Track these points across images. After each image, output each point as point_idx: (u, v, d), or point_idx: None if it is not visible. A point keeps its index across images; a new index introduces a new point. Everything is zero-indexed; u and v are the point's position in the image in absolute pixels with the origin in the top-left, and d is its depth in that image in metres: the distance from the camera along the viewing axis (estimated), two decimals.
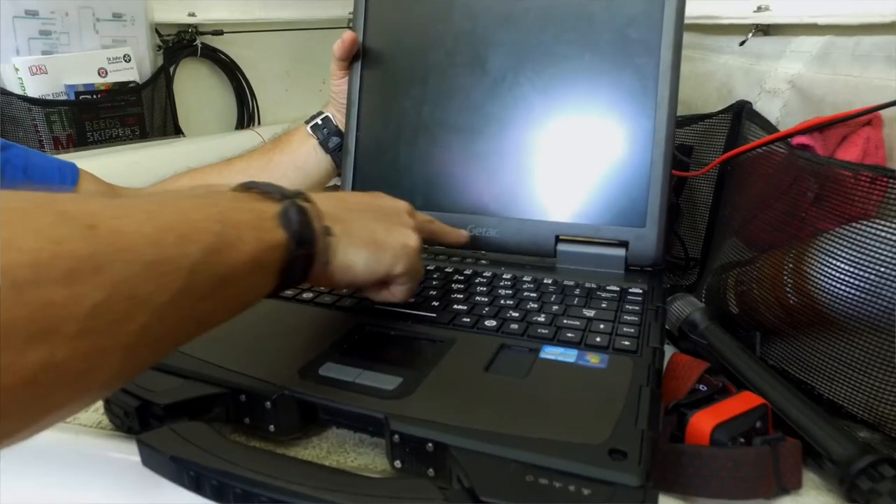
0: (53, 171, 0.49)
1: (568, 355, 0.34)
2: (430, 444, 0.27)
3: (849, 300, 0.34)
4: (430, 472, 0.27)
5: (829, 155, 0.39)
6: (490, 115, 0.52)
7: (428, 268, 0.49)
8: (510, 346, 0.36)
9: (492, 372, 0.33)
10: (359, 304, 0.42)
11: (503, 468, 0.25)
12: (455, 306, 0.41)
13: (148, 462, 0.28)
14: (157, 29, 0.90)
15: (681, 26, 0.47)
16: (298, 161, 0.60)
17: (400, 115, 0.55)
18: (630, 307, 0.41)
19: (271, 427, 0.31)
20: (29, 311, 0.18)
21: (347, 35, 0.54)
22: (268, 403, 0.31)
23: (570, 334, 0.37)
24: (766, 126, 0.46)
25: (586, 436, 0.27)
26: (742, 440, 0.31)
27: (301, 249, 0.29)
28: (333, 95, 0.59)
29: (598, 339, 0.36)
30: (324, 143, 0.59)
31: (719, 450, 0.29)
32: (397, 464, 0.28)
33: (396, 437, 0.28)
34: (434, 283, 0.46)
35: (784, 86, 0.49)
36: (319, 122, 0.60)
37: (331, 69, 0.58)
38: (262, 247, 0.27)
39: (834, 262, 0.35)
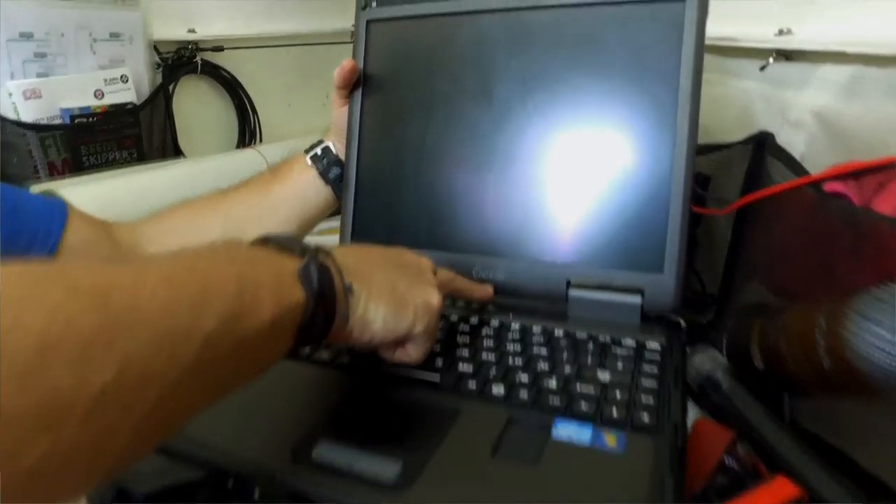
0: (39, 210, 0.46)
1: (582, 434, 0.31)
2: None
3: (893, 371, 0.31)
4: None
5: (865, 204, 0.36)
6: (497, 148, 0.49)
7: None
8: (519, 420, 0.33)
9: (500, 457, 0.30)
10: (357, 363, 0.39)
11: None
12: (461, 366, 0.38)
13: None
14: (156, 46, 0.88)
15: (701, 53, 0.43)
16: (297, 192, 0.57)
17: (402, 147, 0.52)
18: (648, 368, 0.38)
19: None
20: (34, 399, 0.16)
21: (347, 63, 0.52)
22: (257, 492, 0.28)
23: (583, 405, 0.34)
24: (792, 164, 0.43)
25: None
26: None
27: (321, 308, 0.28)
28: (334, 124, 0.57)
29: (614, 413, 0.33)
30: (324, 174, 0.57)
31: None
32: None
33: None
34: (438, 333, 0.43)
35: (808, 118, 0.45)
36: (319, 153, 0.57)
37: (331, 97, 0.56)
38: (281, 308, 0.26)
39: (874, 327, 0.32)
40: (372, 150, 0.54)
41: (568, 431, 0.32)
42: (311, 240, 0.65)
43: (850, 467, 0.34)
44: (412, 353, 0.35)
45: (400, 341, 0.35)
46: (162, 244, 0.54)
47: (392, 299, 0.33)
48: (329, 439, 0.31)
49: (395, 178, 0.52)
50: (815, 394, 0.37)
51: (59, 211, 0.48)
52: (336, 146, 0.57)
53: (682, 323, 0.43)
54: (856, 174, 0.36)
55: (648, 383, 0.36)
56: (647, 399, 0.34)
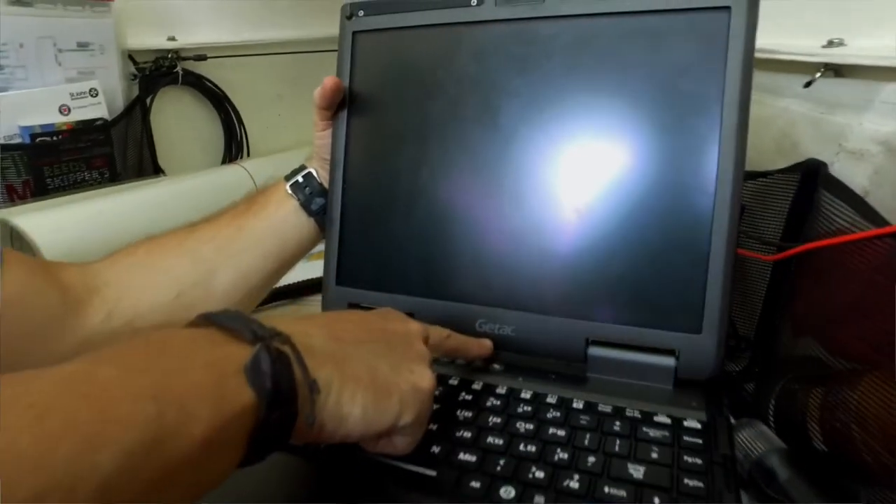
0: None
1: None
2: None
3: None
4: None
5: None
6: (504, 180, 0.42)
7: None
8: None
9: None
10: (332, 449, 0.32)
11: None
12: (461, 456, 0.31)
13: None
14: (132, 56, 0.81)
15: (750, 71, 0.37)
16: (275, 226, 0.50)
17: (394, 177, 0.46)
18: (689, 459, 0.31)
19: None
20: None
21: (329, 80, 0.45)
22: None
23: None
24: (854, 203, 0.36)
25: None
26: None
27: (277, 411, 0.23)
28: (317, 150, 0.50)
29: None
30: (305, 205, 0.50)
31: None
32: None
33: None
34: (435, 405, 0.36)
35: (874, 147, 0.39)
36: (300, 180, 0.50)
37: (313, 119, 0.49)
38: (222, 418, 0.21)
39: None
40: (359, 180, 0.47)
41: None
42: (304, 266, 0.58)
43: None
44: (398, 444, 0.29)
45: (384, 434, 0.28)
46: (120, 287, 0.47)
47: (372, 387, 0.27)
48: None
49: (386, 213, 0.46)
50: None
51: None
52: (320, 173, 0.50)
53: (725, 392, 0.36)
54: None
55: (693, 483, 0.29)
56: None
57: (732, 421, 0.37)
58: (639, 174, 0.39)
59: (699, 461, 0.31)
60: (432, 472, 0.30)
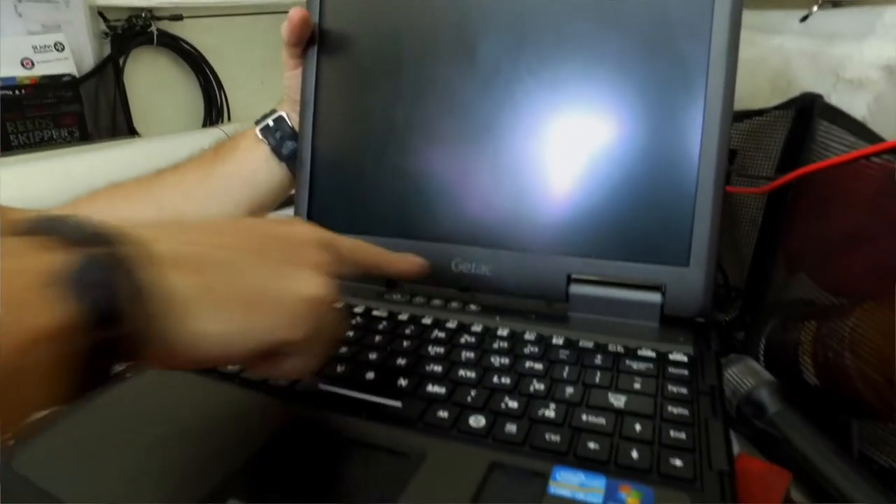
0: None
1: (592, 489, 0.22)
2: None
3: None
4: None
5: None
6: (481, 119, 0.40)
7: (399, 317, 0.37)
8: (505, 466, 0.24)
9: None
10: (297, 383, 0.30)
11: None
12: (429, 388, 0.29)
13: None
14: (102, 13, 0.78)
15: (739, 11, 0.35)
16: (244, 172, 0.48)
17: (367, 118, 0.43)
18: (674, 389, 0.29)
19: None
20: None
21: (296, 12, 0.42)
22: None
23: (592, 444, 0.25)
24: (854, 128, 0.34)
25: None
26: None
27: (110, 329, 0.18)
28: (287, 91, 0.48)
29: (634, 456, 0.24)
30: (276, 149, 0.48)
31: None
32: None
33: None
34: (405, 343, 0.34)
35: (875, 74, 0.36)
36: (271, 124, 0.48)
37: (282, 58, 0.46)
38: (29, 334, 0.16)
39: None
40: (331, 120, 0.44)
41: (571, 484, 0.23)
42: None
43: None
44: (287, 367, 0.24)
45: (264, 354, 0.23)
46: None
47: (234, 298, 0.22)
48: (241, 499, 0.22)
49: (359, 155, 0.43)
50: (894, 419, 0.28)
51: None
52: (291, 116, 0.48)
53: (713, 328, 0.34)
54: None
55: (677, 411, 0.27)
56: (677, 434, 0.25)
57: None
58: (622, 102, 0.36)
59: (684, 391, 0.29)
60: (397, 403, 0.28)
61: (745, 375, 0.33)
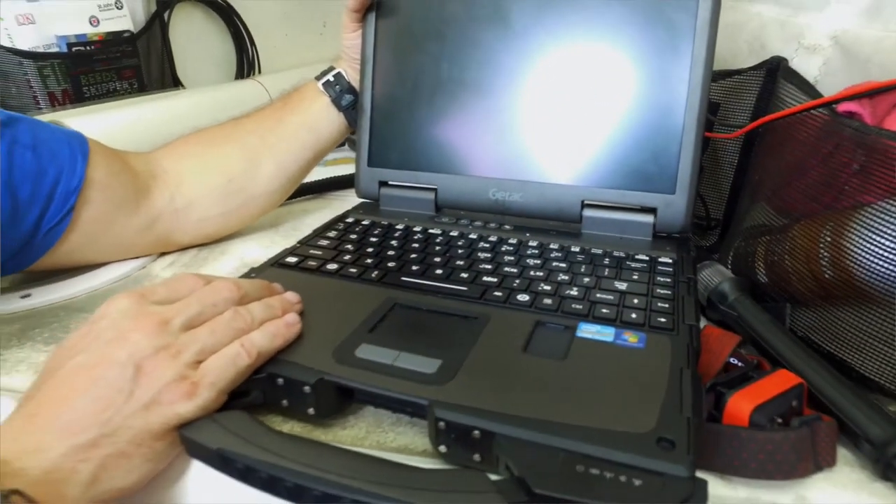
0: (62, 145, 0.46)
1: (605, 334, 0.34)
2: (476, 432, 0.27)
3: (890, 277, 0.34)
4: (476, 457, 0.28)
5: (878, 123, 0.38)
6: (513, 73, 0.49)
7: (451, 233, 0.48)
8: (545, 323, 0.35)
9: (530, 353, 0.33)
10: (386, 276, 0.41)
11: (552, 458, 0.25)
12: (485, 278, 0.40)
13: (193, 453, 0.28)
14: None
15: None
16: (309, 120, 0.57)
17: (417, 73, 0.52)
18: (661, 279, 0.40)
19: (310, 410, 0.31)
20: None
21: None
22: (307, 388, 0.31)
23: (604, 310, 0.36)
24: (805, 87, 0.44)
25: (633, 424, 0.27)
26: (779, 420, 0.31)
27: None
28: (346, 50, 0.56)
29: (633, 316, 0.36)
30: (336, 101, 0.57)
31: (759, 433, 0.29)
32: (442, 448, 0.28)
33: (442, 423, 0.28)
34: (460, 251, 0.45)
35: (826, 42, 0.46)
36: (331, 79, 0.57)
37: (343, 22, 0.55)
38: None
39: (876, 237, 0.35)
40: (386, 74, 0.54)
41: (592, 331, 0.34)
42: (323, 171, 0.65)
43: (842, 369, 0.37)
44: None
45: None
46: (178, 173, 0.54)
47: (128, 450, 0.27)
48: (369, 342, 0.33)
49: (410, 104, 0.53)
50: (815, 303, 0.40)
51: (80, 145, 0.48)
52: (348, 73, 0.57)
53: (691, 239, 0.45)
54: (871, 94, 0.38)
55: (663, 291, 0.38)
56: (662, 305, 0.37)
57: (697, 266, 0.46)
58: (627, 62, 0.46)
59: (668, 280, 0.40)
60: (463, 288, 0.39)
61: (714, 275, 0.44)
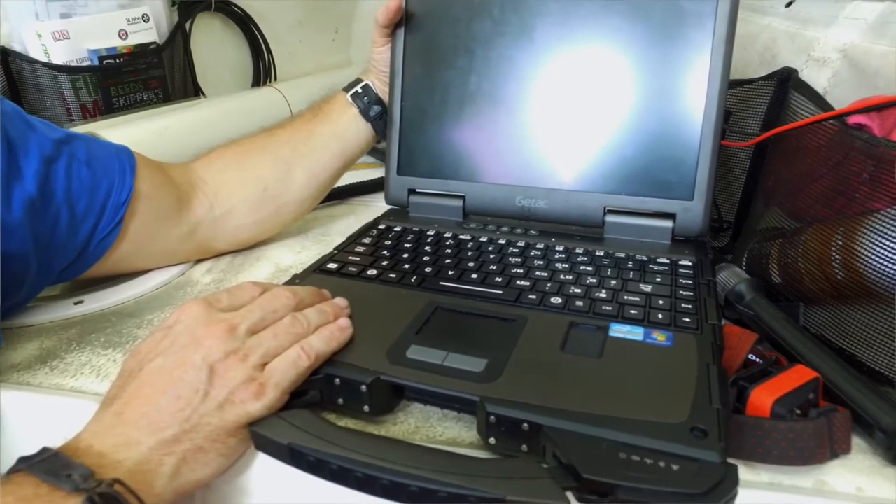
0: (112, 159, 0.48)
1: (635, 333, 0.37)
2: (525, 425, 0.30)
3: None
4: (524, 447, 0.30)
5: (886, 134, 0.40)
6: (537, 86, 0.52)
7: (481, 239, 0.50)
8: (579, 324, 0.38)
9: (567, 352, 0.35)
10: (424, 281, 0.44)
11: (597, 447, 0.28)
12: (518, 282, 0.43)
13: (263, 448, 0.31)
14: None
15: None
16: (339, 131, 0.60)
17: (445, 86, 0.55)
18: (683, 281, 0.43)
19: (365, 408, 0.34)
20: None
21: (393, 2, 0.53)
22: (363, 387, 0.33)
23: (633, 311, 0.39)
24: (816, 98, 0.47)
25: (668, 415, 0.29)
26: (798, 412, 0.34)
27: None
28: (375, 63, 0.59)
29: (660, 317, 0.38)
30: (364, 112, 0.59)
31: (780, 422, 0.32)
32: (492, 440, 0.31)
33: (492, 417, 0.30)
34: (491, 256, 0.47)
35: (834, 55, 0.49)
36: (360, 91, 0.60)
37: (371, 36, 0.57)
38: None
39: (886, 241, 0.37)
40: (415, 86, 0.56)
41: (623, 331, 0.37)
42: (345, 176, 0.68)
43: (853, 364, 0.40)
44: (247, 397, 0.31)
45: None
46: (216, 183, 0.57)
47: (204, 445, 0.30)
48: (418, 344, 0.36)
49: (439, 115, 0.55)
50: (827, 303, 0.42)
51: (128, 159, 0.50)
52: (376, 84, 0.59)
53: (708, 243, 0.48)
54: (880, 108, 0.40)
55: (685, 293, 0.41)
56: (685, 306, 0.39)
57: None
58: (646, 75, 0.49)
59: (690, 282, 0.43)
60: (499, 292, 0.42)
61: (731, 276, 0.47)
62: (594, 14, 0.50)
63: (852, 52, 0.47)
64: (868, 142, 0.39)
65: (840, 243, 0.41)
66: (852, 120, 0.41)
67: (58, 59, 0.71)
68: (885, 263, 0.37)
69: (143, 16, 0.79)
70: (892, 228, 0.37)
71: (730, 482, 0.26)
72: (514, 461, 0.29)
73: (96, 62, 0.74)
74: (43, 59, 0.70)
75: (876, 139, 0.39)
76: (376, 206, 0.60)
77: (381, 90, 0.59)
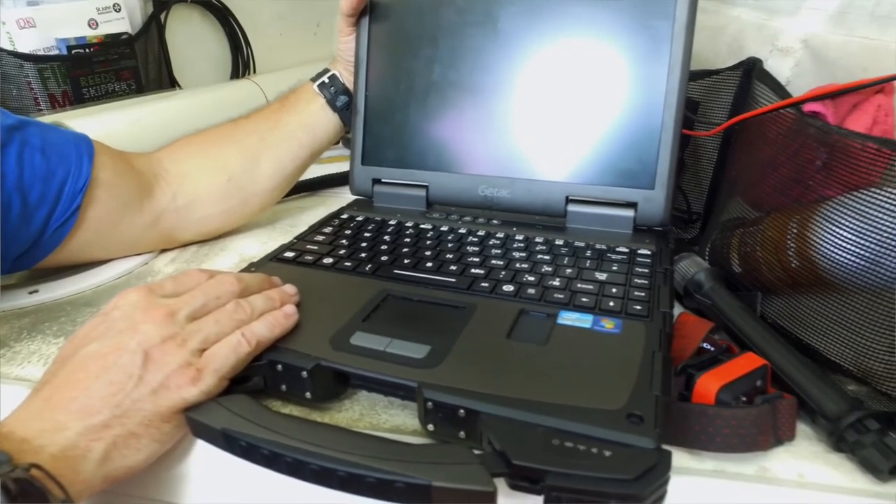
0: (69, 146, 0.48)
1: (584, 321, 0.36)
2: (462, 411, 0.29)
3: (848, 266, 0.36)
4: (462, 434, 0.30)
5: (840, 122, 0.40)
6: (501, 76, 0.52)
7: (441, 228, 0.50)
8: (529, 311, 0.38)
9: (513, 339, 0.35)
10: (379, 269, 0.43)
11: (531, 433, 0.28)
12: (472, 270, 0.43)
13: (199, 433, 0.31)
14: None
15: None
16: (306, 120, 0.59)
17: (410, 75, 0.54)
18: (640, 269, 0.43)
19: (307, 394, 0.33)
20: None
21: None
22: (304, 373, 0.33)
23: (584, 299, 0.39)
24: (777, 88, 0.47)
25: (606, 402, 0.29)
26: (744, 399, 0.33)
27: None
28: (340, 53, 0.58)
29: (611, 304, 0.38)
30: (331, 102, 0.59)
31: (724, 409, 0.32)
32: (430, 427, 0.31)
33: (430, 403, 0.30)
34: (449, 245, 0.47)
35: (797, 45, 0.48)
36: (326, 81, 0.59)
37: (337, 26, 0.57)
38: None
39: (836, 229, 0.37)
40: (380, 76, 0.56)
41: (572, 318, 0.36)
42: (318, 169, 0.67)
43: (808, 352, 0.40)
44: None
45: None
46: (180, 172, 0.56)
47: (138, 430, 0.30)
48: (363, 330, 0.36)
49: (403, 105, 0.55)
50: (783, 292, 0.42)
51: (86, 146, 0.49)
52: (343, 74, 0.59)
53: (670, 232, 0.48)
54: (833, 95, 0.40)
55: (640, 281, 0.41)
56: (639, 294, 0.39)
57: (676, 257, 0.49)
58: (609, 64, 0.48)
59: (646, 271, 0.42)
60: (452, 279, 0.41)
61: (691, 265, 0.46)
62: (558, 4, 0.49)
63: (813, 41, 0.47)
64: (821, 129, 0.39)
65: (795, 231, 0.40)
66: (808, 108, 0.41)
67: (24, 48, 0.71)
68: (835, 251, 0.37)
69: (114, 5, 0.78)
70: (842, 216, 0.37)
71: (662, 468, 0.26)
72: (446, 447, 0.28)
73: (65, 51, 0.73)
74: (7, 47, 0.70)
75: (829, 126, 0.38)
76: (347, 197, 0.59)
77: (348, 80, 0.59)
